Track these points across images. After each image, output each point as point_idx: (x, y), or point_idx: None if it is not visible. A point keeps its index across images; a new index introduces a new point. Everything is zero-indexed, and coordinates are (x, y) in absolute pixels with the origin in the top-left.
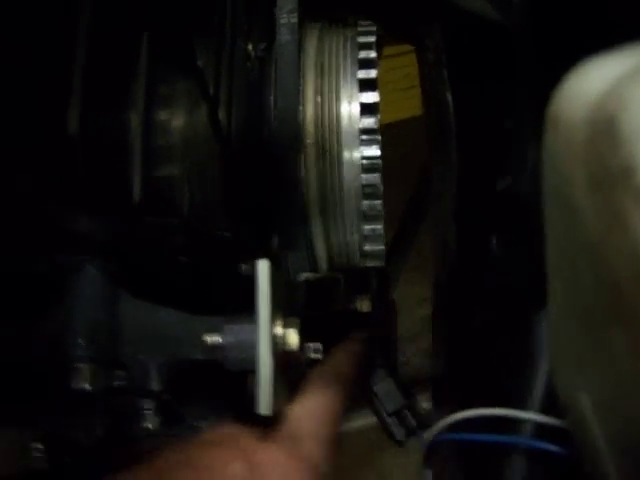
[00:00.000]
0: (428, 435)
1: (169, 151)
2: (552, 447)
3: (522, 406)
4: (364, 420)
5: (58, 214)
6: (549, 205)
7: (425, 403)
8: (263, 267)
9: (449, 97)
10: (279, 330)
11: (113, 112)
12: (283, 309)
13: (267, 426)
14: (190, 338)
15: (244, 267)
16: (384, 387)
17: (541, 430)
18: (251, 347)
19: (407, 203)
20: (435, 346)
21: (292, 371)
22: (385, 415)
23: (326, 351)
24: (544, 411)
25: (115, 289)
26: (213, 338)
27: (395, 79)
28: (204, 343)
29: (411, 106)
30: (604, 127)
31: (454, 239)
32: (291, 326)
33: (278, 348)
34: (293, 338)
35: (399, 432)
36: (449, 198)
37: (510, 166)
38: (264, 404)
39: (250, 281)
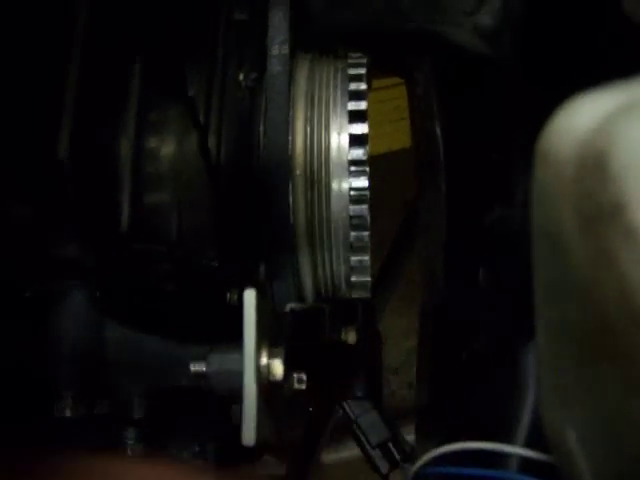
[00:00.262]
0: (413, 468)
1: (159, 178)
2: None
3: (509, 439)
4: (349, 451)
5: (45, 239)
6: (538, 240)
7: (410, 435)
8: (250, 296)
9: (438, 130)
10: (264, 360)
11: (104, 137)
12: (269, 338)
13: (251, 457)
14: (175, 366)
15: (230, 296)
16: (368, 419)
17: (528, 464)
18: (236, 377)
19: (395, 234)
20: (419, 377)
21: (276, 403)
22: (369, 448)
23: (311, 382)
24: (531, 444)
25: (101, 316)
26: (198, 367)
27: (385, 111)
28: (189, 372)
29: (401, 138)
30: (593, 163)
31: (442, 270)
32: (276, 356)
33: (263, 378)
34: (278, 368)
35: (383, 465)
36: (438, 229)
37: (499, 199)
38: (248, 435)
39: (236, 310)
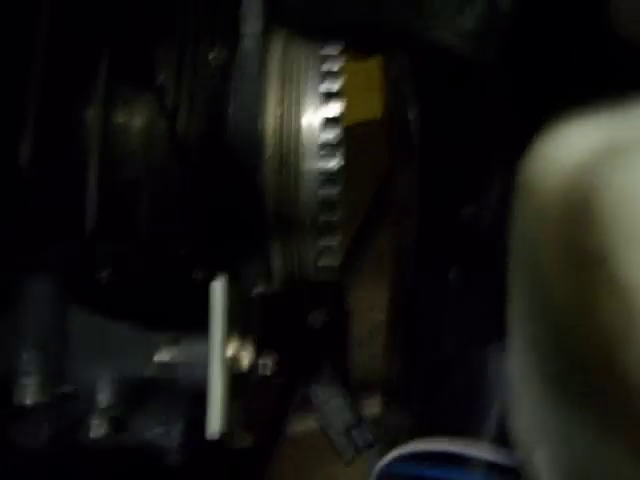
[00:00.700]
0: (377, 466)
1: (126, 164)
2: None
3: (477, 435)
4: (316, 422)
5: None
6: (516, 269)
7: (374, 408)
8: (218, 286)
9: (411, 114)
10: (231, 352)
11: (69, 138)
12: (237, 328)
13: (217, 452)
14: (140, 355)
15: (196, 275)
16: (333, 405)
17: (494, 466)
18: (202, 368)
19: (367, 207)
20: (388, 354)
21: (246, 393)
22: (333, 433)
23: (279, 367)
24: (499, 443)
25: (66, 301)
26: (163, 357)
27: (356, 81)
28: (154, 361)
29: (372, 109)
30: (579, 206)
31: (412, 261)
32: (244, 347)
33: (230, 371)
34: (245, 360)
35: (347, 452)
36: (412, 212)
37: (472, 196)
38: (212, 429)
39: (204, 290)
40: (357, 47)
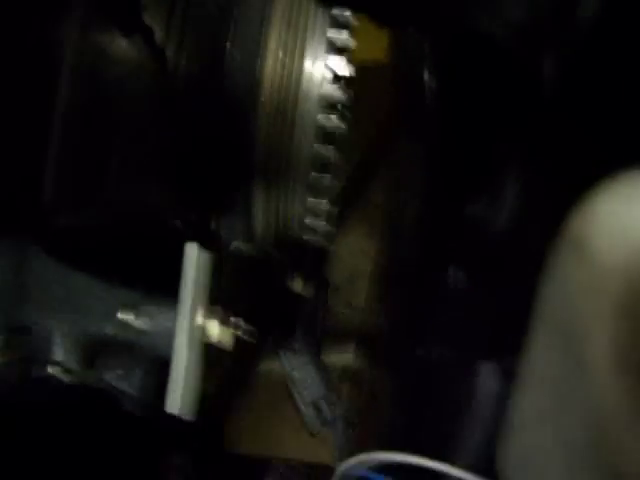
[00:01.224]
0: (340, 468)
1: (100, 96)
2: None
3: (449, 456)
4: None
5: None
6: (547, 326)
7: (345, 354)
8: (193, 249)
9: (426, 76)
10: (200, 320)
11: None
12: (208, 295)
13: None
14: (103, 311)
15: (177, 223)
16: (303, 374)
17: None
18: (167, 334)
19: (361, 153)
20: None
21: (213, 360)
22: (301, 404)
23: (257, 331)
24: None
25: (25, 244)
26: (127, 316)
27: (362, 21)
28: (117, 320)
29: (374, 51)
30: None
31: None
32: (214, 317)
33: (197, 340)
34: (214, 330)
35: (314, 424)
36: (412, 187)
37: (483, 194)
38: (173, 403)
39: (177, 248)
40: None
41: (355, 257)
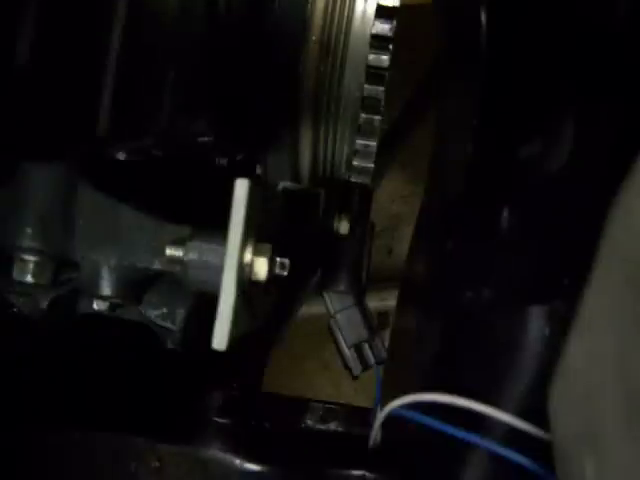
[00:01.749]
0: (387, 408)
1: (155, 36)
2: (523, 459)
3: (496, 401)
4: (317, 308)
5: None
6: (610, 269)
7: (384, 302)
8: (241, 187)
9: (483, 17)
10: (248, 257)
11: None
12: (256, 233)
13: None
14: (150, 246)
15: (219, 161)
16: (347, 316)
17: (512, 436)
18: (215, 271)
19: (408, 100)
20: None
21: (258, 299)
22: (344, 346)
23: (294, 270)
24: (520, 414)
25: (74, 176)
26: (175, 252)
27: None
28: (165, 255)
29: None
30: None
31: (458, 182)
32: (262, 254)
33: (245, 277)
34: (262, 268)
35: (356, 366)
36: (462, 127)
37: (541, 131)
38: (220, 339)
39: (226, 183)
40: None
41: (396, 203)
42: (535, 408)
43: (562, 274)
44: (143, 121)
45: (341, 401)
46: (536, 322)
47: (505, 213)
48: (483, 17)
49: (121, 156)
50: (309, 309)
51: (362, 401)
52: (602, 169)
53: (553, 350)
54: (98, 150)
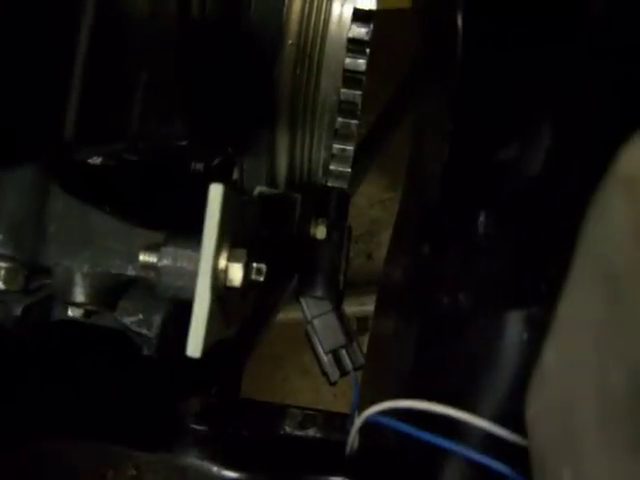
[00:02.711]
0: (363, 415)
1: (123, 39)
2: (500, 466)
3: (474, 407)
4: (296, 313)
5: None
6: (587, 273)
7: (363, 307)
8: (216, 192)
9: (459, 21)
10: (223, 263)
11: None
12: (231, 238)
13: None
14: (124, 251)
15: (195, 165)
16: (324, 321)
17: (490, 442)
18: (189, 277)
19: (385, 103)
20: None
21: (234, 305)
22: (321, 351)
23: (270, 275)
24: (498, 420)
25: (45, 181)
26: (149, 257)
27: None
28: (139, 261)
29: None
30: None
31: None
32: (237, 260)
33: (219, 283)
34: (237, 273)
35: (334, 372)
36: (438, 132)
37: (518, 135)
38: (194, 346)
39: (200, 189)
40: None
41: (375, 208)
42: (513, 414)
43: (539, 279)
44: (113, 124)
45: (320, 407)
46: (514, 327)
47: (482, 217)
48: (459, 21)
49: (94, 160)
50: (287, 314)
51: (341, 406)
52: (579, 173)
53: (531, 356)
54: (67, 154)
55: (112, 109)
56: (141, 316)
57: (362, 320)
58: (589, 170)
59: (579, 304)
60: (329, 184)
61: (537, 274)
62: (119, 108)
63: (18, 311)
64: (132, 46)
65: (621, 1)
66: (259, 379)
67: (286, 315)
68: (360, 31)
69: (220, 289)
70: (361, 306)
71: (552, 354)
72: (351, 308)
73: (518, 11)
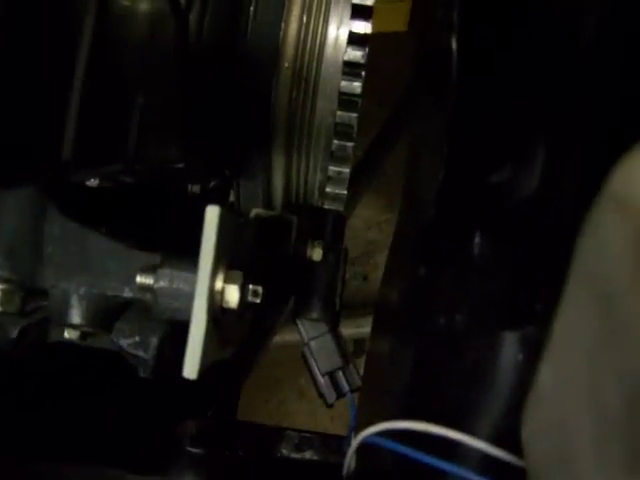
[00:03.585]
0: (359, 436)
1: (122, 66)
2: None
3: (468, 428)
4: (292, 335)
5: None
6: (581, 292)
7: (359, 329)
8: (212, 214)
9: (454, 44)
10: (219, 284)
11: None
12: (228, 260)
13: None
14: (120, 273)
15: (192, 188)
16: (321, 343)
17: (486, 463)
18: (185, 298)
19: (381, 125)
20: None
21: (231, 327)
22: (317, 373)
23: (266, 297)
24: (494, 440)
25: (42, 203)
26: (146, 279)
27: None
28: (135, 282)
29: (395, 21)
30: None
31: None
32: (233, 281)
33: (216, 305)
34: (233, 295)
35: (330, 394)
36: (434, 155)
37: (512, 157)
38: (190, 368)
39: (197, 211)
40: None
41: (372, 230)
42: (510, 434)
43: (535, 299)
44: (110, 146)
45: (317, 429)
46: (509, 348)
47: (477, 239)
48: (454, 44)
49: (91, 182)
50: (284, 336)
51: (339, 429)
52: (572, 193)
53: (527, 375)
54: (64, 176)
55: (109, 131)
56: (137, 338)
57: (359, 342)
58: (582, 190)
59: (573, 321)
60: (325, 206)
61: (532, 294)
62: (116, 130)
63: (14, 333)
64: (130, 69)
65: (613, 24)
66: (256, 401)
67: (282, 337)
68: (356, 54)
69: (216, 311)
70: (358, 328)
71: (547, 372)
72: (348, 330)
73: (512, 34)
